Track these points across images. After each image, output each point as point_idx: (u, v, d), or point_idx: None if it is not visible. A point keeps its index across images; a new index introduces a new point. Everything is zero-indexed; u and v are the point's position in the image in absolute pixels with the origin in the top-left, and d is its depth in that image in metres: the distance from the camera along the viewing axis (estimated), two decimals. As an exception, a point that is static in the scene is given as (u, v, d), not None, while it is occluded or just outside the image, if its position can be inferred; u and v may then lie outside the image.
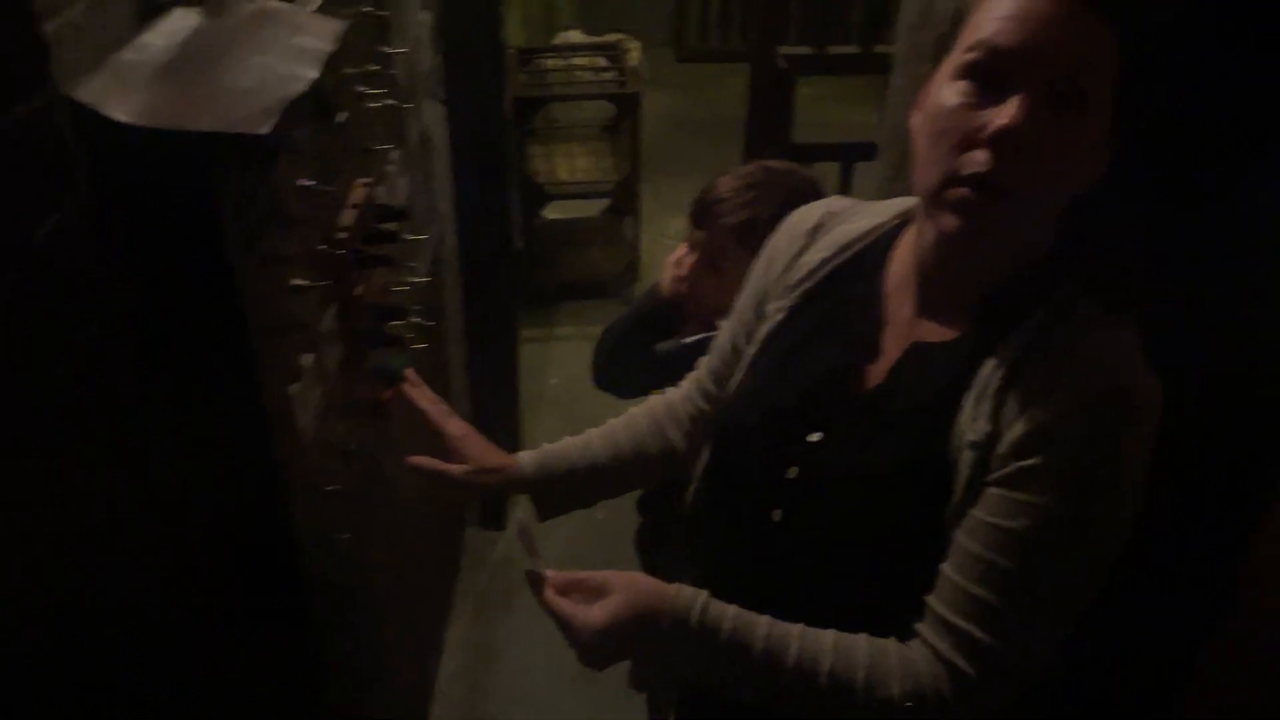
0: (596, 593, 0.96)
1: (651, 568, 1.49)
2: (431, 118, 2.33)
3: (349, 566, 1.30)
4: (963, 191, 0.86)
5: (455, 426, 1.25)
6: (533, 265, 3.89)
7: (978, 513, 0.89)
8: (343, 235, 1.18)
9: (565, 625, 0.96)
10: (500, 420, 2.84)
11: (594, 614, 0.94)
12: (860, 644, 0.93)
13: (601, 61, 4.12)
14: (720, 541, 1.12)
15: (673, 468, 1.28)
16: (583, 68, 4.10)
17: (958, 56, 0.88)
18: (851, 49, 2.67)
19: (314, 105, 1.07)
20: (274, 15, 1.01)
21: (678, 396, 1.30)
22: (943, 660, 0.90)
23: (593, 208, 4.12)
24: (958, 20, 0.90)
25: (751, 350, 1.13)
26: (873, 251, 1.06)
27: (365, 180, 1.29)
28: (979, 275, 0.94)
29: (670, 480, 1.33)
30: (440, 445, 1.24)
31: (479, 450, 1.24)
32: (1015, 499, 0.86)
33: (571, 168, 3.99)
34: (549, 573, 0.99)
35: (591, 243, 3.99)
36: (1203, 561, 1.67)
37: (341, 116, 1.21)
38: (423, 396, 1.27)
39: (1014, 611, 0.88)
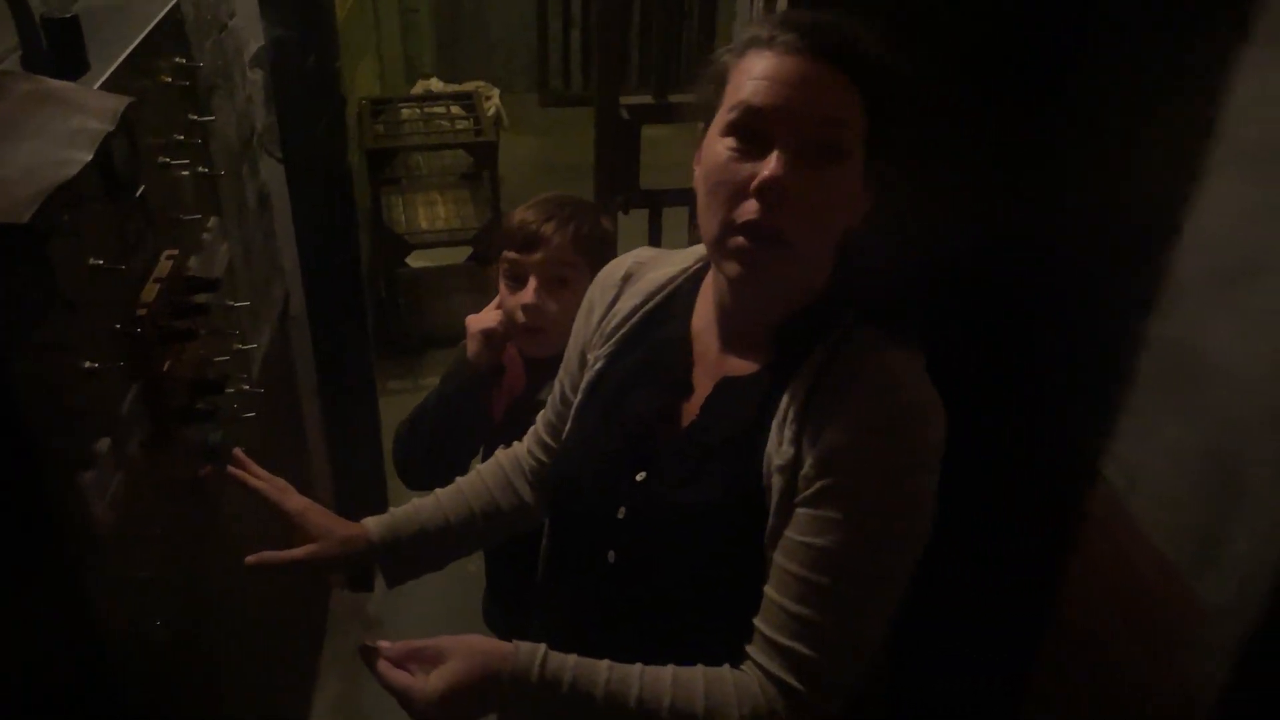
0: (434, 660, 0.95)
1: (506, 631, 1.49)
2: (270, 176, 2.29)
3: (169, 654, 1.25)
4: (739, 240, 0.92)
5: (293, 503, 1.21)
6: (397, 316, 3.84)
7: (790, 533, 0.93)
8: (143, 312, 1.15)
9: (403, 698, 0.94)
10: (365, 478, 2.79)
11: (432, 683, 0.93)
12: (698, 676, 0.96)
13: (458, 110, 4.13)
14: (565, 589, 1.15)
15: (524, 521, 1.29)
16: (439, 116, 4.10)
17: (723, 115, 0.93)
18: (691, 97, 2.72)
19: (103, 183, 1.05)
20: (51, 95, 0.99)
21: (522, 450, 1.31)
22: (774, 680, 0.94)
23: (456, 255, 4.10)
24: (721, 80, 0.95)
25: (577, 400, 1.16)
26: (680, 295, 1.12)
27: (172, 252, 1.26)
28: (770, 311, 1.01)
29: (517, 540, 1.34)
30: (280, 523, 1.21)
31: (321, 524, 1.20)
32: (822, 516, 0.91)
33: (432, 216, 3.97)
34: (383, 644, 0.98)
35: (456, 290, 3.98)
36: (1018, 572, 1.76)
37: (140, 191, 1.18)
38: (252, 476, 1.23)
39: (834, 624, 0.92)
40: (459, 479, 1.31)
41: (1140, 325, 1.43)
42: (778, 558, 0.94)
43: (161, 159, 1.27)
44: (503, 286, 1.51)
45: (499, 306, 1.52)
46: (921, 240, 1.50)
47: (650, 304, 1.13)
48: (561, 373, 1.24)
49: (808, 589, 0.92)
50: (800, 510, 0.93)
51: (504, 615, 1.70)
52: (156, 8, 1.33)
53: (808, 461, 0.92)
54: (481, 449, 1.65)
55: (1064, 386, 1.64)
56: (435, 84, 5.17)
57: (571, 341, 1.23)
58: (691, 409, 1.05)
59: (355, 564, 1.22)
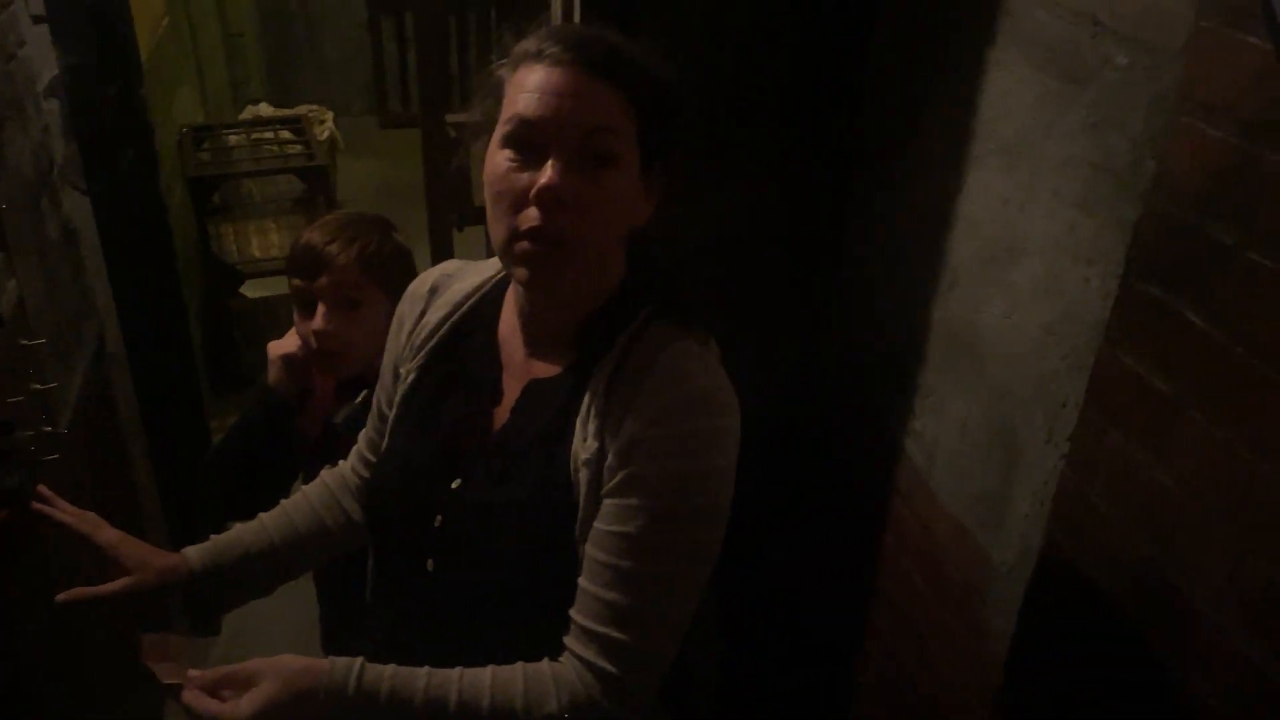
0: (246, 684, 0.93)
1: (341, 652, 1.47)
2: (75, 209, 2.19)
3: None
4: (524, 245, 0.95)
5: (104, 535, 1.16)
6: (232, 349, 3.72)
7: (599, 524, 0.97)
8: (-85, 354, 1.09)
9: None
10: (199, 520, 2.68)
11: (243, 707, 0.92)
12: (516, 673, 0.98)
13: (288, 135, 4.04)
14: (390, 603, 1.15)
15: (353, 539, 1.28)
16: (268, 142, 4.00)
17: (501, 128, 0.96)
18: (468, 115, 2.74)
19: None
20: None
21: (347, 468, 1.31)
22: (590, 666, 0.97)
23: (295, 283, 4.00)
24: (498, 94, 0.98)
25: (392, 414, 1.17)
26: (485, 304, 1.14)
27: (-50, 291, 1.20)
28: (566, 313, 1.04)
29: (345, 570, 1.32)
30: (94, 558, 1.15)
31: (137, 555, 1.15)
32: (626, 504, 0.95)
33: (266, 244, 3.86)
34: (192, 672, 0.95)
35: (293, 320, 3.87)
36: (837, 546, 1.86)
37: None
38: (60, 511, 1.18)
39: (644, 606, 0.96)
40: (283, 501, 1.29)
41: (926, 309, 1.54)
42: (588, 548, 0.98)
43: (-67, 194, 1.22)
44: (295, 313, 1.48)
45: (297, 331, 1.50)
46: (716, 239, 1.58)
47: (457, 314, 1.15)
48: (378, 389, 1.25)
49: (617, 575, 0.96)
50: (606, 501, 0.97)
51: (342, 648, 1.67)
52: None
53: (610, 453, 0.97)
54: (301, 474, 1.62)
55: (869, 372, 1.74)
56: (265, 109, 5.03)
57: (385, 357, 1.23)
58: (502, 414, 1.08)
59: (174, 594, 1.18)
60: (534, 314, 1.07)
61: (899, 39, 1.59)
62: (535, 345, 1.07)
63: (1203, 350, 1.00)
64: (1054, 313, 1.27)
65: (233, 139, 3.99)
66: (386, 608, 1.17)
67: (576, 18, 1.62)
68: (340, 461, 1.33)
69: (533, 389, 1.06)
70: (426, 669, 0.98)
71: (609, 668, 0.96)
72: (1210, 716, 1.01)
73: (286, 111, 4.74)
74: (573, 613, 0.99)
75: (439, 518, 1.06)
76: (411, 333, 1.17)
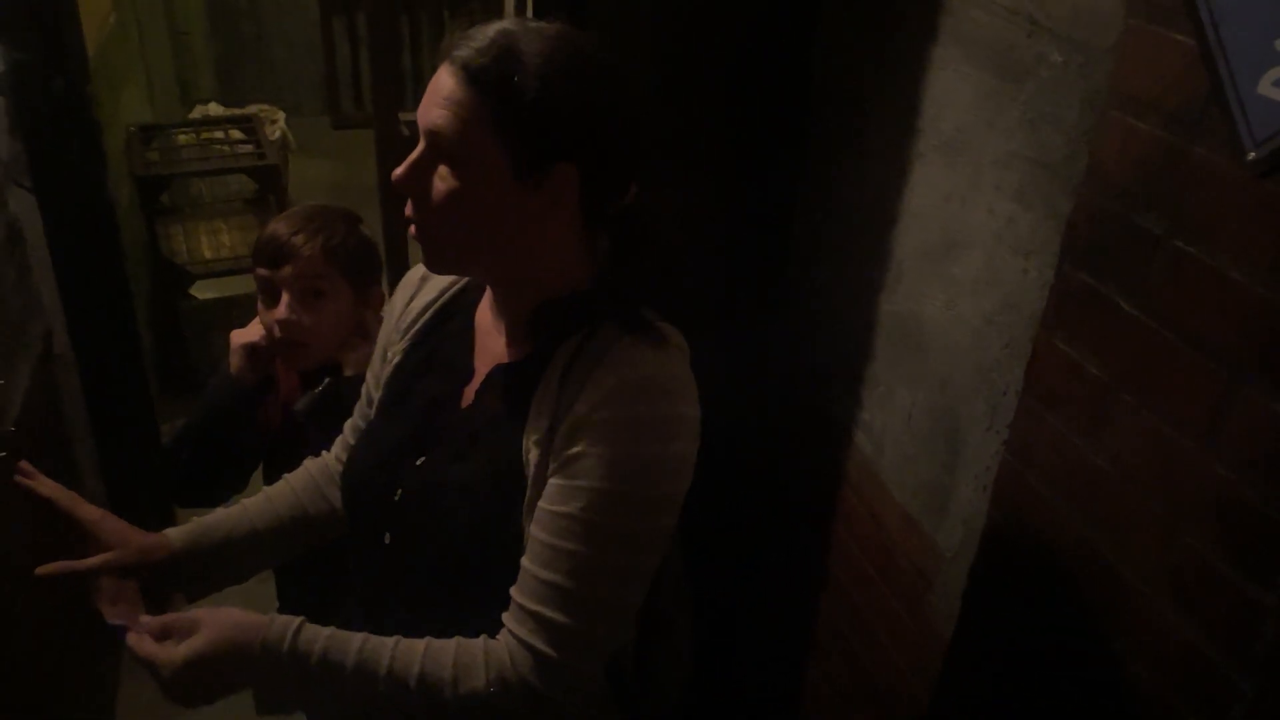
0: (188, 631, 0.95)
1: None
2: (21, 208, 2.16)
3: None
4: (411, 229, 1.02)
5: (87, 511, 1.15)
6: (182, 350, 3.67)
7: (543, 503, 0.99)
8: None
9: (149, 666, 0.95)
10: (148, 520, 2.65)
11: (178, 651, 0.94)
12: (450, 645, 0.99)
13: (238, 134, 3.99)
14: (354, 577, 1.18)
15: (334, 527, 1.29)
16: (218, 142, 3.96)
17: None
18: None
19: None
20: None
21: (330, 457, 1.32)
22: (524, 645, 0.98)
23: (247, 283, 3.95)
24: None
25: (378, 396, 1.21)
26: (469, 291, 1.18)
27: (-109, 287, 1.18)
28: (516, 301, 1.07)
29: (305, 562, 1.33)
30: (75, 535, 1.14)
31: (118, 532, 1.15)
32: (568, 485, 0.97)
33: (216, 245, 3.81)
34: (144, 618, 0.98)
35: (245, 320, 3.83)
36: (789, 535, 1.89)
37: None
38: (42, 485, 1.16)
39: (582, 590, 0.97)
40: (266, 488, 1.30)
41: (873, 303, 1.57)
42: (532, 528, 1.00)
43: None
44: (259, 302, 1.49)
45: (261, 321, 1.50)
46: (672, 240, 1.59)
47: (442, 299, 1.19)
48: (368, 376, 1.27)
49: (555, 555, 0.97)
50: (551, 480, 0.99)
51: None
52: None
53: (558, 434, 0.98)
54: (262, 464, 1.62)
55: (819, 365, 1.77)
56: (215, 108, 4.97)
57: (377, 345, 1.26)
58: (469, 395, 1.11)
59: (153, 575, 1.17)
60: (494, 300, 1.11)
61: (842, 36, 1.62)
62: (504, 330, 1.10)
63: (1133, 335, 1.04)
64: (994, 303, 1.31)
65: (182, 138, 3.94)
66: (351, 581, 1.19)
67: (529, 13, 1.63)
68: (324, 451, 1.34)
69: (497, 371, 1.09)
70: (363, 634, 0.99)
71: (542, 647, 0.97)
72: (1146, 690, 1.05)
73: (237, 111, 4.69)
74: (513, 591, 1.00)
75: (399, 491, 1.09)
76: (400, 317, 1.21)
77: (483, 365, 1.12)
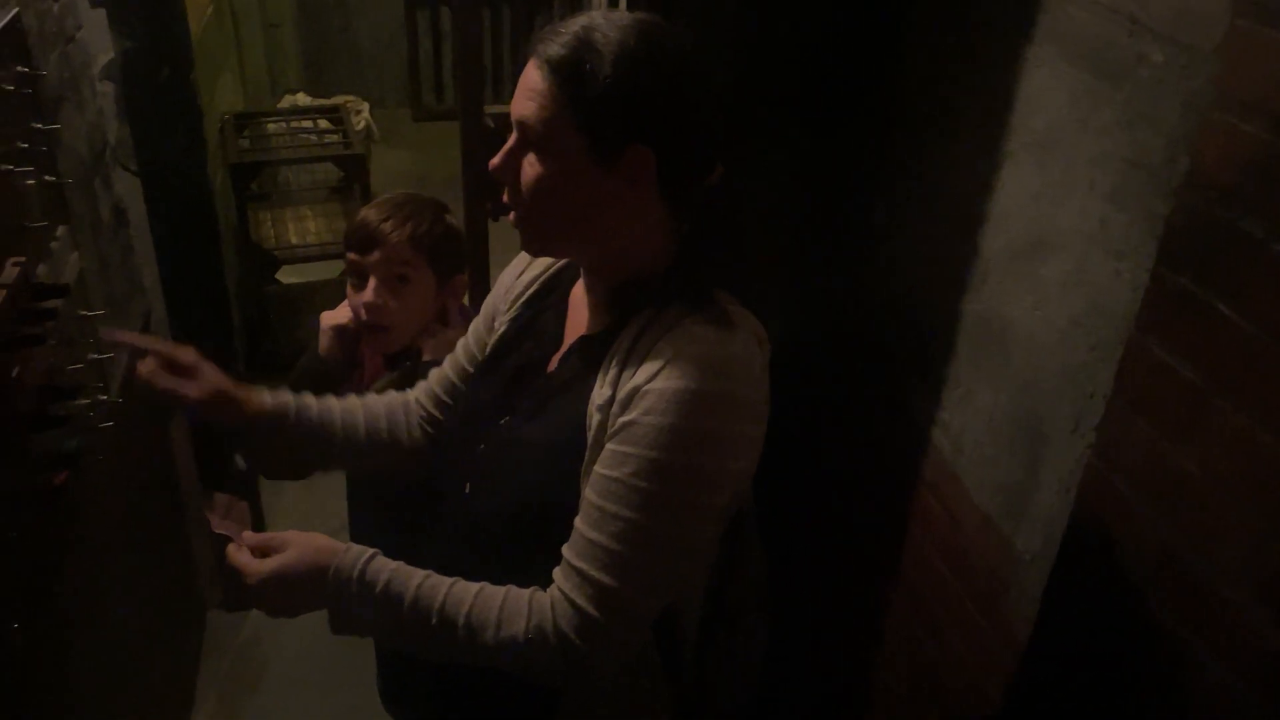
0: (279, 549, 1.06)
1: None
2: (125, 190, 2.26)
3: (27, 661, 1.24)
4: (510, 214, 1.09)
5: (184, 354, 1.26)
6: (268, 333, 3.78)
7: (597, 467, 1.03)
8: (-12, 318, 1.15)
9: (240, 574, 1.05)
10: (236, 496, 2.75)
11: (266, 564, 1.04)
12: (500, 591, 1.06)
13: (326, 124, 4.10)
14: (437, 523, 1.25)
15: (395, 462, 1.36)
16: (306, 131, 4.07)
17: None
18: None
19: (-61, 188, 1.05)
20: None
21: (412, 398, 1.39)
22: (567, 599, 1.02)
23: (329, 270, 4.06)
24: None
25: (483, 360, 1.30)
26: (570, 267, 1.26)
27: (19, 259, 1.26)
28: (598, 279, 1.14)
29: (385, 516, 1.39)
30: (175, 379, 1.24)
31: (213, 375, 1.25)
32: (621, 451, 1.01)
33: (302, 231, 3.93)
34: (246, 534, 1.08)
35: (330, 305, 3.93)
36: (865, 535, 1.89)
37: (-18, 197, 1.18)
38: (137, 337, 1.28)
39: (627, 554, 1.01)
40: (352, 398, 1.37)
41: (956, 301, 1.57)
42: (587, 491, 1.04)
43: (4, 167, 1.27)
44: (349, 285, 1.55)
45: (349, 304, 1.56)
46: (756, 232, 1.61)
47: (546, 274, 1.27)
48: (468, 334, 1.35)
49: (603, 517, 1.01)
50: (607, 445, 1.03)
51: None
52: (-5, 17, 1.33)
53: (616, 401, 1.03)
54: None
55: (897, 363, 1.77)
56: (302, 99, 5.11)
57: (485, 304, 1.34)
58: (554, 362, 1.19)
59: (235, 422, 1.25)
60: (585, 279, 1.18)
61: (932, 32, 1.61)
62: (590, 304, 1.17)
63: (1230, 339, 1.02)
64: (1082, 305, 1.30)
65: (271, 126, 4.06)
66: (431, 531, 1.27)
67: (623, 5, 1.66)
68: (406, 390, 1.39)
69: (580, 342, 1.16)
70: (425, 572, 1.06)
71: (583, 604, 1.01)
72: (1231, 700, 1.04)
73: (324, 101, 4.81)
74: (564, 548, 1.05)
75: (482, 446, 1.19)
76: (509, 289, 1.30)
77: (571, 335, 1.19)
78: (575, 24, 1.03)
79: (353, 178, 3.85)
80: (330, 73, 5.97)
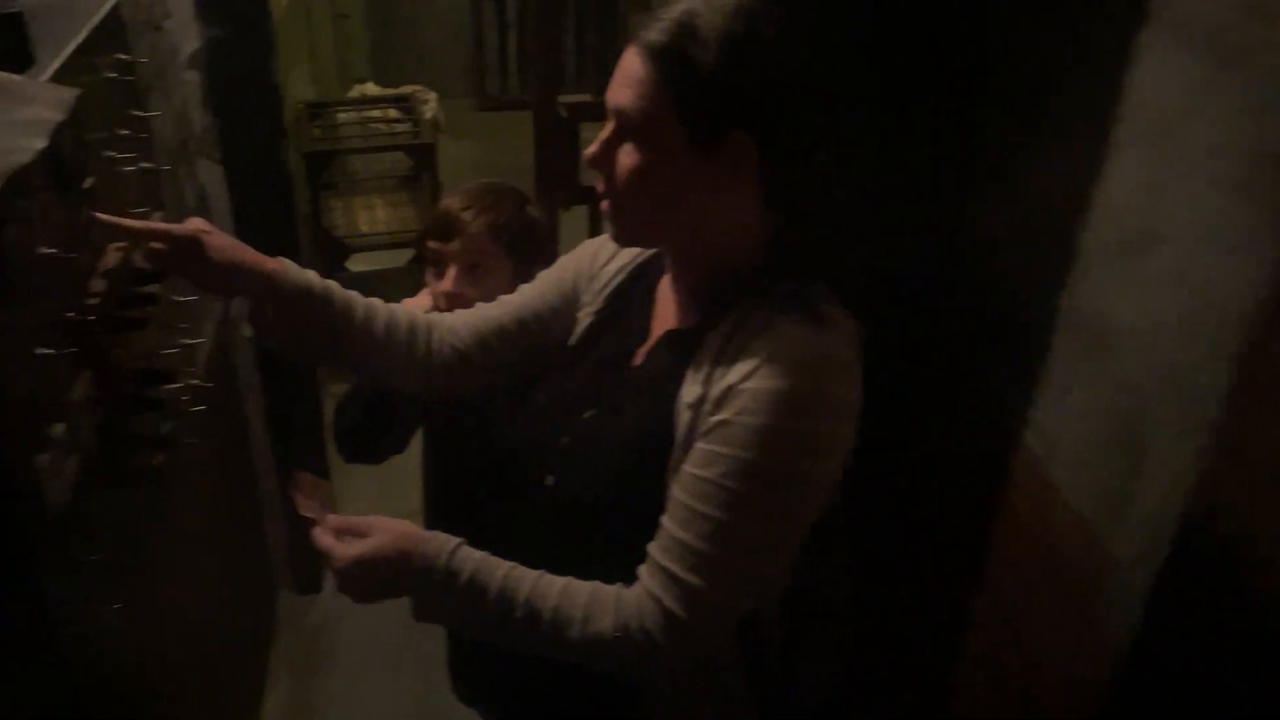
0: (363, 533, 1.06)
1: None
2: (209, 178, 2.29)
3: (125, 641, 1.27)
4: (603, 204, 1.09)
5: (197, 222, 1.19)
6: (338, 320, 3.83)
7: (686, 465, 1.02)
8: (93, 301, 1.17)
9: (326, 558, 1.06)
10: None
11: (351, 549, 1.04)
12: (586, 586, 1.05)
13: (396, 113, 4.14)
14: (513, 516, 1.24)
15: (404, 370, 1.29)
16: (377, 120, 4.11)
17: None
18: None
19: (52, 174, 1.07)
20: (0, 87, 1.01)
21: (449, 322, 1.33)
22: (653, 598, 1.01)
23: (398, 258, 4.11)
24: None
25: (571, 343, 1.28)
26: (657, 256, 1.24)
27: (120, 245, 1.28)
28: (689, 271, 1.12)
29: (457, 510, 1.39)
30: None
31: (229, 245, 1.19)
32: (713, 451, 0.99)
33: (372, 220, 3.97)
34: (330, 516, 1.09)
35: (397, 293, 3.96)
36: (949, 538, 1.85)
37: (88, 182, 1.20)
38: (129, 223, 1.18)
39: (716, 555, 0.99)
40: (377, 299, 1.31)
41: (1053, 296, 1.52)
42: (675, 489, 1.03)
43: (107, 153, 1.29)
44: (428, 273, 1.56)
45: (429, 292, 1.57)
46: (848, 221, 1.58)
47: (633, 264, 1.25)
48: (535, 295, 1.31)
49: (692, 517, 1.00)
50: (697, 444, 1.02)
51: None
52: (97, 6, 1.35)
53: (708, 399, 1.01)
54: (421, 430, 1.69)
55: (989, 357, 1.72)
56: (371, 88, 5.16)
57: (557, 270, 1.31)
58: (641, 355, 1.17)
59: (254, 289, 1.19)
60: (672, 271, 1.16)
61: (1028, 16, 1.57)
62: (678, 297, 1.15)
63: (1366, 340, 0.98)
64: (1195, 302, 1.25)
65: (342, 116, 4.11)
66: (504, 517, 1.26)
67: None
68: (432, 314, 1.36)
69: (668, 337, 1.14)
70: (510, 564, 1.06)
71: (670, 604, 1.00)
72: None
73: (394, 91, 4.85)
74: (651, 546, 1.04)
75: (565, 439, 1.16)
76: (593, 278, 1.28)
77: (658, 328, 1.17)
78: (677, 9, 1.00)
79: (422, 167, 3.88)
80: (397, 63, 6.02)
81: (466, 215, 1.51)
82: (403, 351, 1.28)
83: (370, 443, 1.67)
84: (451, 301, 1.52)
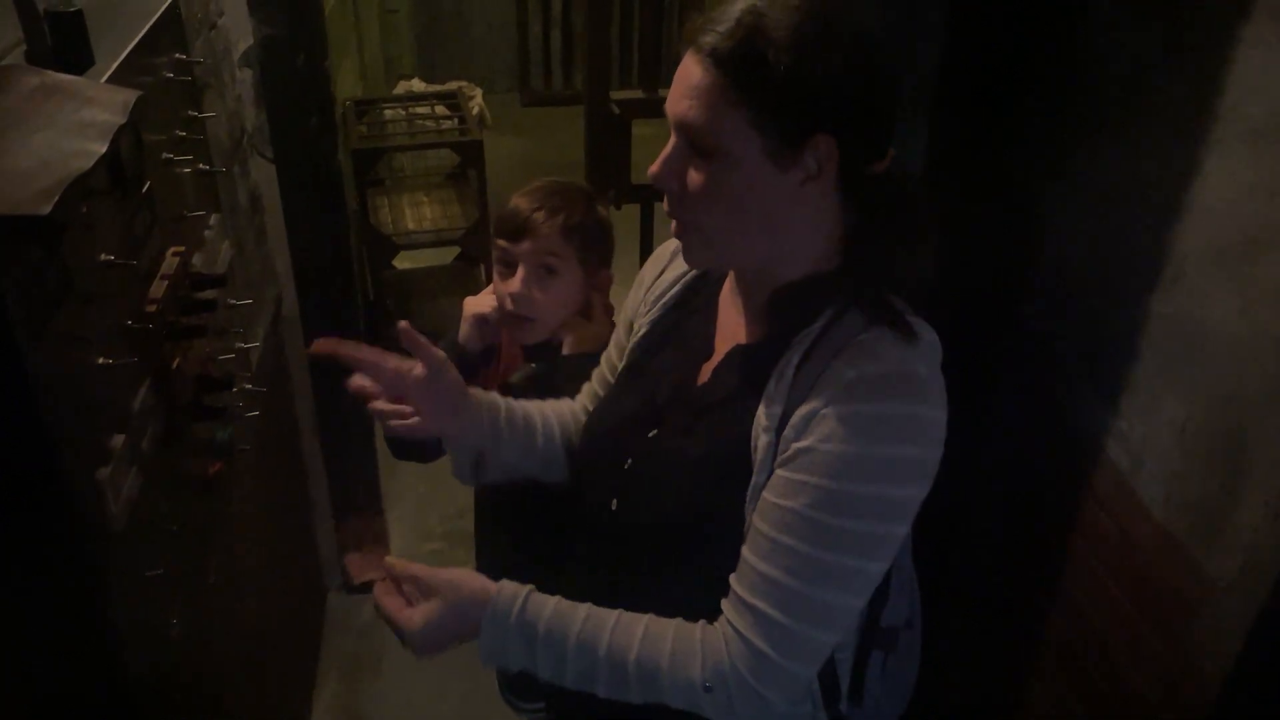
0: (426, 593, 1.01)
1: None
2: (261, 177, 2.27)
3: (182, 653, 1.24)
4: (672, 224, 1.01)
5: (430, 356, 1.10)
6: (385, 317, 3.82)
7: (767, 494, 0.95)
8: (153, 308, 1.14)
9: (391, 625, 1.02)
10: (357, 478, 2.77)
11: (415, 617, 1.00)
12: (668, 629, 0.99)
13: (442, 110, 4.11)
14: (580, 539, 1.19)
15: (553, 473, 1.27)
16: (423, 116, 4.08)
17: None
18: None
19: (110, 178, 1.04)
20: (59, 89, 0.98)
21: (578, 405, 1.31)
22: (741, 638, 0.95)
23: (444, 256, 4.09)
24: None
25: (623, 363, 1.22)
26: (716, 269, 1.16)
27: (178, 249, 1.25)
28: (759, 285, 1.05)
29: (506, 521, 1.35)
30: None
31: (451, 389, 1.12)
32: (794, 479, 0.93)
33: (419, 217, 3.95)
34: (388, 560, 1.05)
35: (444, 291, 3.96)
36: (1025, 553, 1.78)
37: (146, 186, 1.17)
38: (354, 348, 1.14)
39: (802, 589, 0.93)
40: (531, 402, 1.28)
41: (1143, 302, 1.45)
42: (755, 519, 0.97)
43: (165, 155, 1.26)
44: (495, 273, 1.52)
45: (494, 292, 1.53)
46: (927, 225, 1.51)
47: (690, 274, 1.18)
48: (611, 344, 1.29)
49: (775, 549, 0.93)
50: (778, 472, 0.95)
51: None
52: (155, 4, 1.32)
53: (789, 424, 0.95)
54: None
55: (1068, 367, 1.65)
56: (417, 84, 5.15)
57: (622, 314, 1.28)
58: (706, 372, 1.10)
59: (452, 431, 1.14)
60: (737, 283, 1.09)
61: (1126, 13, 1.49)
62: (745, 311, 1.08)
63: None
64: (1306, 312, 1.17)
65: (389, 113, 4.09)
66: (572, 541, 1.21)
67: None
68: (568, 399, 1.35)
69: (736, 352, 1.07)
70: (586, 608, 1.00)
71: (759, 644, 0.95)
72: None
73: (440, 87, 4.84)
74: (732, 579, 0.98)
75: (629, 460, 1.10)
76: (649, 289, 1.21)
77: (723, 343, 1.10)
78: (737, 9, 0.92)
79: (468, 164, 3.85)
80: (442, 58, 6.02)
81: (538, 216, 1.47)
82: (559, 458, 1.26)
83: (420, 442, 1.63)
84: (519, 303, 1.48)
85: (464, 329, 1.56)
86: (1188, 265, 1.37)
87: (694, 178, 0.95)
